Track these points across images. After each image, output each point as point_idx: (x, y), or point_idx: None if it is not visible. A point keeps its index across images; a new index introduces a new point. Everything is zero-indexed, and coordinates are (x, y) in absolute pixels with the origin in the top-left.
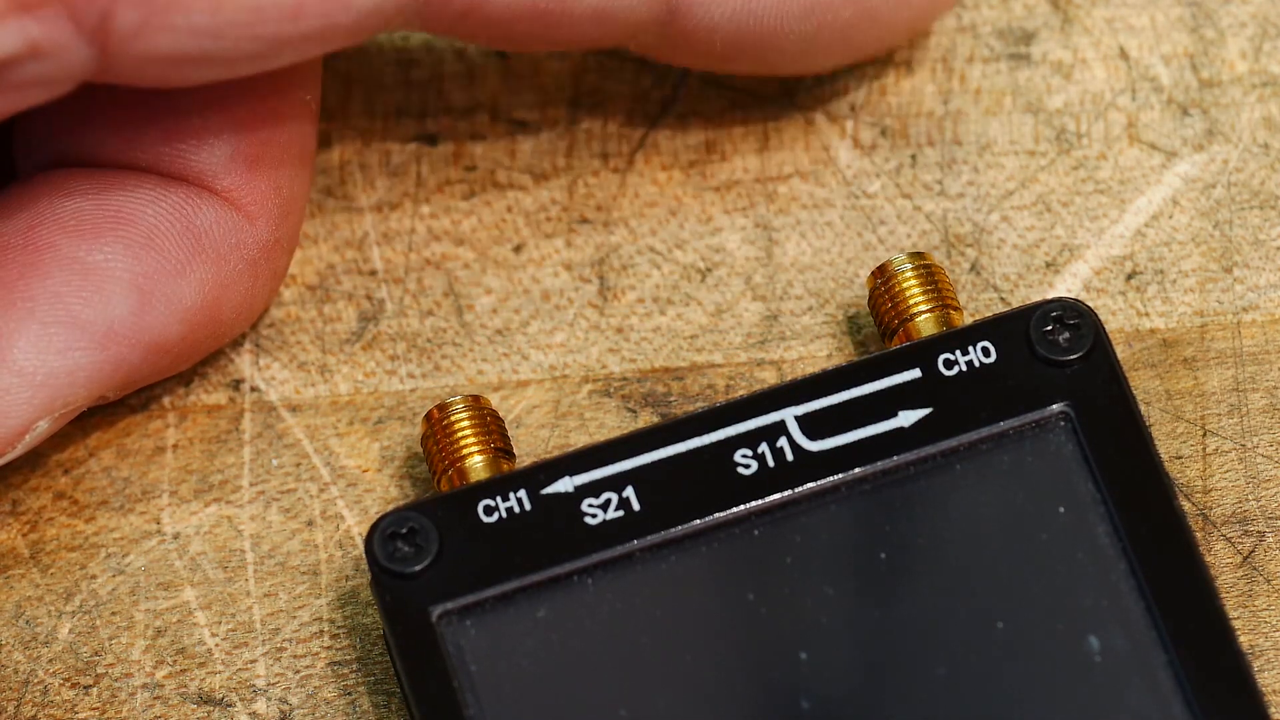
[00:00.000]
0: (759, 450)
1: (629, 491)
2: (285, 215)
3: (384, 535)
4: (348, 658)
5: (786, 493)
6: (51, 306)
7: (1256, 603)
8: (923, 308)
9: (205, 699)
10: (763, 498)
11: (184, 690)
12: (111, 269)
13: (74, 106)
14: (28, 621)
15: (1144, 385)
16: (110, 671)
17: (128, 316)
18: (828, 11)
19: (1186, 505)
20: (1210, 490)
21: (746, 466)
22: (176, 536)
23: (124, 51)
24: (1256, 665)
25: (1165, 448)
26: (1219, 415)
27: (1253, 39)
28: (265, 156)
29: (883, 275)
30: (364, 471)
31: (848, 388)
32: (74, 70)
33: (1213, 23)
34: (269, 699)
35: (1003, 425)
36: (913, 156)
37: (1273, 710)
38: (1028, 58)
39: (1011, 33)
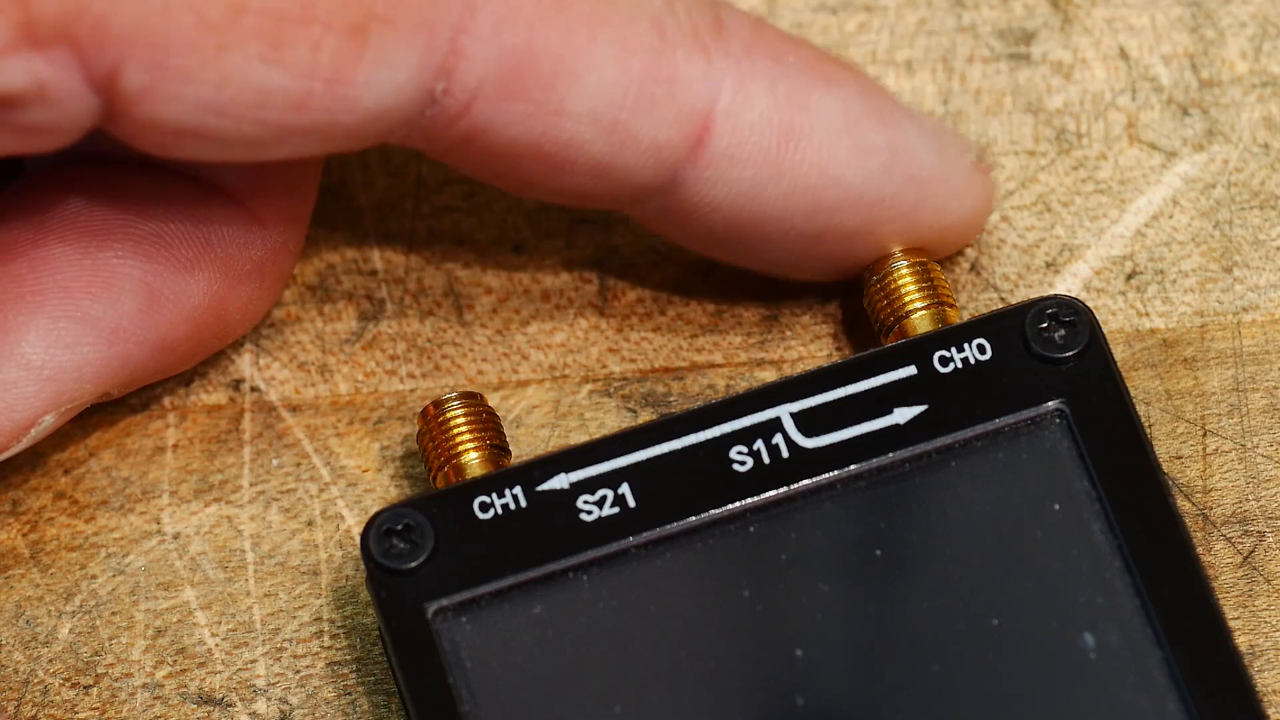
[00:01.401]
0: (754, 447)
1: (624, 488)
2: (293, 218)
3: (379, 532)
4: (347, 658)
5: (782, 489)
6: (60, 302)
7: (1256, 603)
8: (918, 305)
9: (205, 699)
10: (758, 494)
11: (184, 690)
12: (121, 266)
13: None
14: (28, 621)
15: (1144, 385)
16: (110, 671)
17: (136, 314)
18: (834, 216)
19: (1186, 505)
20: (1210, 490)
21: (742, 463)
22: (176, 536)
23: (129, 113)
24: (1256, 665)
25: (1165, 448)
26: (1219, 415)
27: (1253, 39)
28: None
29: (878, 272)
30: (364, 471)
31: (843, 385)
32: (80, 120)
33: (1213, 23)
34: (269, 699)
35: (998, 422)
36: None
37: (1272, 711)
38: (1028, 58)
39: (1011, 33)
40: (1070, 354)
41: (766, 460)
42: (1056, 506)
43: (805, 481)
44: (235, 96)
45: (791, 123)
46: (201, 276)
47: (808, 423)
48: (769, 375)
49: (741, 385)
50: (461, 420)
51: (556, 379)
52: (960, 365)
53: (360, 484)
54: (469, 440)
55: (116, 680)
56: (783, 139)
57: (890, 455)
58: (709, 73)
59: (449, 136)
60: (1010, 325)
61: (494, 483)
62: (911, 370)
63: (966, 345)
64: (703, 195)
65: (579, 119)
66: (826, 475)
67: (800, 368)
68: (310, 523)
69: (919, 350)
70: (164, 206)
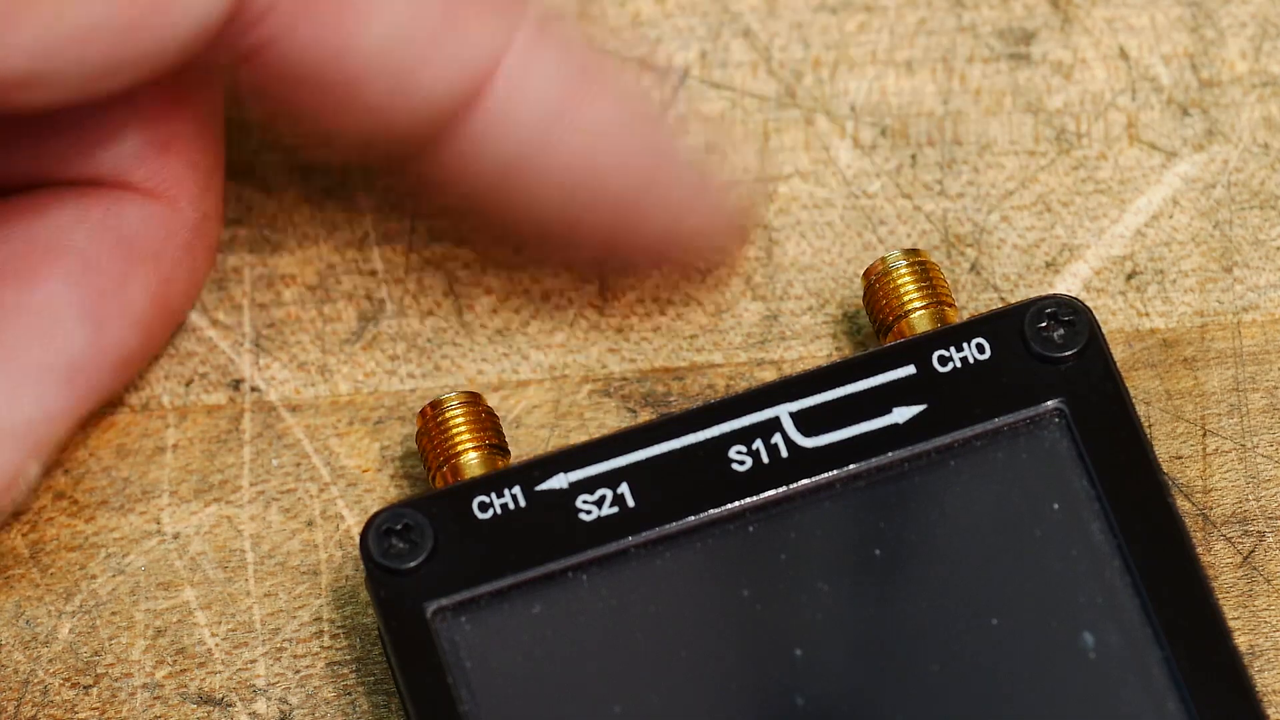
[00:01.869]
0: (754, 447)
1: (624, 488)
2: (206, 189)
3: (379, 531)
4: (347, 658)
5: (781, 489)
6: (10, 360)
7: (1256, 603)
8: (917, 304)
9: (205, 699)
10: (757, 494)
11: (184, 690)
12: (57, 306)
13: None
14: (28, 621)
15: (1144, 385)
16: (110, 671)
17: (86, 346)
18: (585, 214)
19: (1186, 505)
20: (1210, 490)
21: (741, 463)
22: (176, 536)
23: None
24: (1256, 665)
25: (1165, 448)
26: (1219, 415)
27: (1253, 39)
28: (174, 137)
29: (877, 272)
30: (364, 471)
31: (842, 384)
32: None
33: (1213, 23)
34: (269, 699)
35: (997, 422)
36: (913, 156)
37: (1272, 711)
38: (1028, 58)
39: (1011, 33)
40: (1069, 353)
41: (766, 460)
42: (1056, 506)
43: (804, 481)
44: (65, 38)
45: (566, 104)
46: (137, 282)
47: (807, 422)
48: (769, 375)
49: (741, 385)
50: (460, 420)
51: (556, 379)
52: (959, 365)
53: (360, 484)
54: (468, 440)
55: (116, 680)
56: (554, 117)
57: (889, 455)
58: (500, 31)
59: (240, 49)
60: (1009, 325)
61: (493, 482)
62: (911, 370)
63: (966, 345)
64: (464, 158)
65: (369, 50)
66: (826, 475)
67: (800, 368)
68: (310, 523)
69: (918, 350)
70: (81, 229)
